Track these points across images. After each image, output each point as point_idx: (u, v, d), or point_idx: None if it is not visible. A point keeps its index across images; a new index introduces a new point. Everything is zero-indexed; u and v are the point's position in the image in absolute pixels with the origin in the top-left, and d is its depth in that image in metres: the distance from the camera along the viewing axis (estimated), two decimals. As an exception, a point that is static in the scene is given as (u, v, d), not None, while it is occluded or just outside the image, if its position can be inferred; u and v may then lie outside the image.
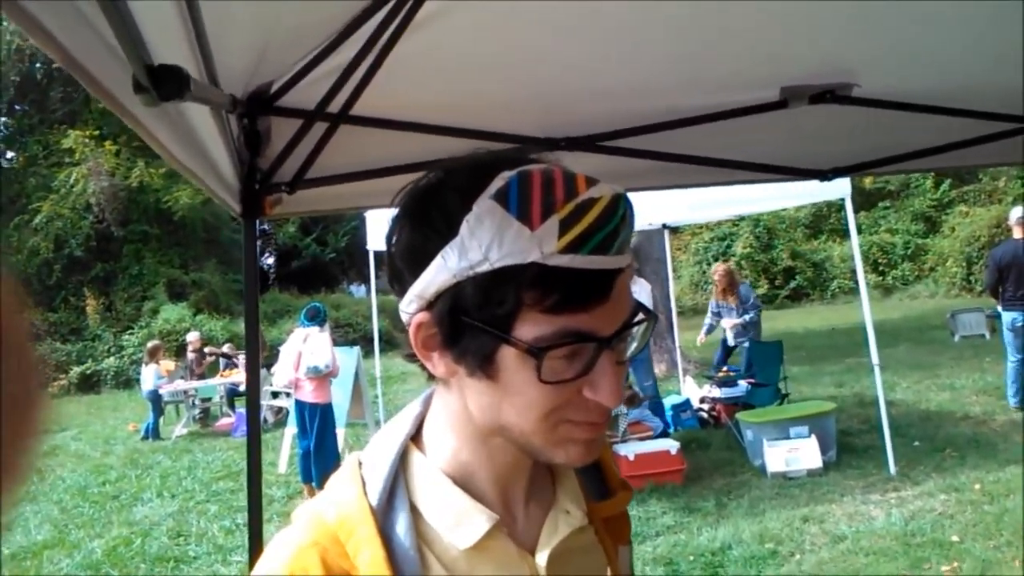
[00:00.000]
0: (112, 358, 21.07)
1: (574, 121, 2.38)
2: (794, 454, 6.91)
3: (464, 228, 0.74)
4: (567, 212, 0.73)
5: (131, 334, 21.15)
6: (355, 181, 2.31)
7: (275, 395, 10.63)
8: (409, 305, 0.81)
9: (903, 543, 5.29)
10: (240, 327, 17.36)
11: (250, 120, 2.01)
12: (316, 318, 8.34)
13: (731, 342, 9.87)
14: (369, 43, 1.77)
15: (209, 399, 13.45)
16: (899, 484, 6.44)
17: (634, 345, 0.84)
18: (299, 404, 8.19)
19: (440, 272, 0.76)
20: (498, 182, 0.76)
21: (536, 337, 0.74)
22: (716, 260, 24.79)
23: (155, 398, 12.55)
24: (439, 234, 0.76)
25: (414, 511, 0.84)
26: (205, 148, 1.69)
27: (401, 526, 0.82)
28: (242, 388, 11.90)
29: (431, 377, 0.86)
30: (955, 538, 5.29)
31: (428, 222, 0.78)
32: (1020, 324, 8.18)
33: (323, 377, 8.07)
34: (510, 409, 0.79)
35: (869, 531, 5.55)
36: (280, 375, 8.52)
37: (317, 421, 7.98)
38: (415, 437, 0.90)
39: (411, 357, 0.86)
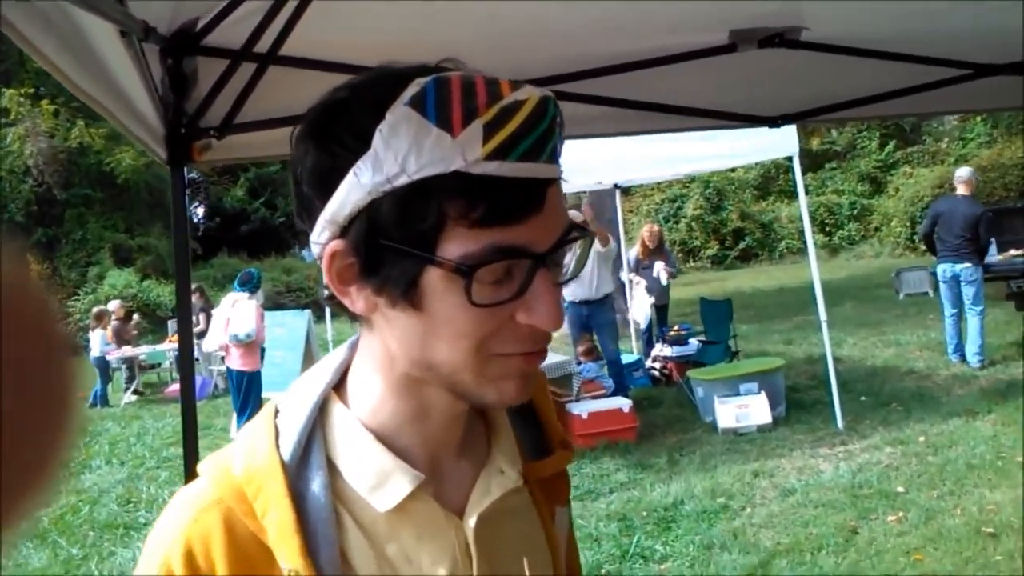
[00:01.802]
0: (56, 325, 20.60)
1: (517, 64, 2.28)
2: (744, 410, 7.00)
3: (377, 139, 0.66)
4: (491, 116, 0.66)
5: (76, 300, 20.70)
6: (288, 126, 2.20)
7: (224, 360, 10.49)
8: (320, 235, 0.72)
9: (851, 495, 5.38)
10: (188, 292, 17.04)
11: (175, 60, 1.90)
12: (247, 284, 8.20)
13: (664, 281, 9.80)
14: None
15: (158, 364, 13.23)
16: (846, 438, 6.55)
17: (572, 265, 0.76)
18: (229, 371, 8.10)
19: (353, 191, 0.68)
20: (412, 88, 0.67)
21: (463, 255, 0.67)
22: (668, 221, 24.98)
23: (102, 364, 12.31)
24: (349, 150, 0.68)
25: (331, 468, 0.77)
26: (121, 86, 1.59)
27: (315, 484, 0.74)
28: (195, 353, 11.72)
29: (354, 318, 0.78)
30: (900, 489, 5.40)
31: (336, 138, 0.69)
32: (950, 276, 8.34)
33: (249, 344, 7.96)
34: (438, 342, 0.71)
35: (818, 484, 5.64)
36: (210, 340, 8.39)
37: (243, 388, 7.92)
38: (338, 387, 0.82)
39: (331, 300, 0.77)
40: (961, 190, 8.43)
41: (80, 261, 22.53)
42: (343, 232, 0.71)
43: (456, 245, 0.67)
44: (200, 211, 29.51)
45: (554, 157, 0.70)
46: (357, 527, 0.76)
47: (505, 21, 2.08)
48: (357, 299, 0.74)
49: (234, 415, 8.98)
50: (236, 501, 0.74)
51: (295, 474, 0.75)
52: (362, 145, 0.67)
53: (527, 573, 0.79)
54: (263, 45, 1.85)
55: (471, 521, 0.80)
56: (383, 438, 0.78)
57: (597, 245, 8.49)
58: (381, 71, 0.73)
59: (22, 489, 0.24)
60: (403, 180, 0.66)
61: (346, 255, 0.71)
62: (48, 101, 21.45)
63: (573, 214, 8.60)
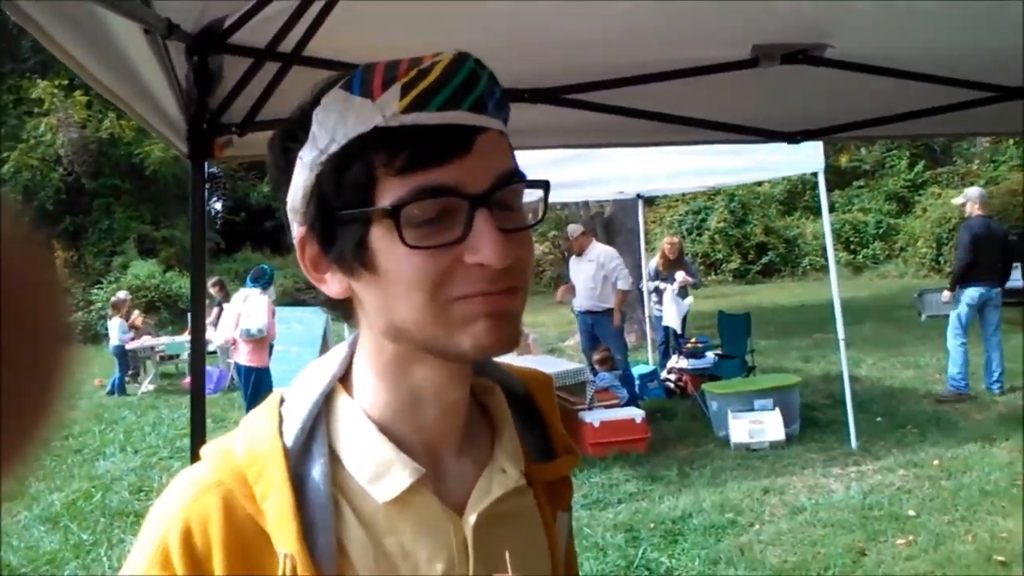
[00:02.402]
0: (80, 312, 20.81)
1: (539, 72, 2.31)
2: (758, 426, 6.95)
3: (314, 123, 0.73)
4: (409, 77, 0.71)
5: (100, 288, 20.88)
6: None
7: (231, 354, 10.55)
8: (293, 231, 0.78)
9: (861, 516, 5.34)
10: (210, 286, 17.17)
11: (200, 57, 1.93)
12: (260, 279, 8.21)
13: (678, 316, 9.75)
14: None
15: (177, 355, 13.32)
16: (860, 458, 6.50)
17: (530, 216, 0.78)
18: (237, 366, 8.10)
19: (300, 173, 0.74)
20: (347, 76, 0.74)
21: (393, 201, 0.70)
22: (691, 233, 24.87)
23: (121, 353, 12.40)
24: (298, 140, 0.74)
25: (333, 457, 0.78)
26: (143, 82, 1.61)
27: (316, 472, 0.75)
28: (211, 347, 11.80)
29: (347, 318, 0.82)
30: (912, 512, 5.35)
31: (289, 136, 0.76)
32: (983, 300, 8.08)
33: (260, 340, 7.97)
34: (396, 300, 0.73)
35: (828, 503, 5.60)
36: (219, 334, 8.41)
37: (252, 384, 7.89)
38: (344, 379, 0.83)
39: (326, 304, 0.81)
40: (980, 211, 8.27)
41: (105, 250, 22.75)
42: (305, 218, 0.76)
43: (388, 195, 0.70)
44: (219, 205, 29.72)
45: (481, 108, 0.73)
46: (356, 517, 0.76)
47: (528, 27, 2.09)
48: (332, 283, 0.78)
49: (237, 410, 9.04)
50: (236, 484, 0.75)
51: (296, 460, 0.76)
52: (305, 134, 0.73)
53: (509, 568, 0.79)
54: (287, 45, 1.87)
55: (471, 519, 0.80)
56: (383, 430, 0.79)
57: (599, 256, 8.47)
58: (335, 74, 0.78)
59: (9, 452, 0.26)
60: (334, 148, 0.71)
61: (310, 240, 0.76)
62: (81, 92, 21.69)
63: (572, 228, 8.62)
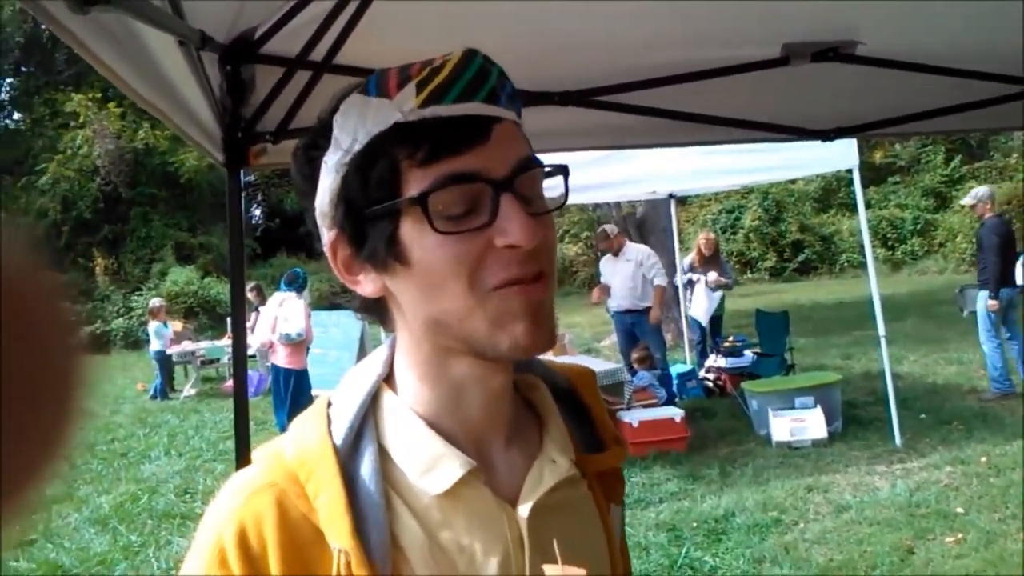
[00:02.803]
0: (121, 319, 21.19)
1: (569, 75, 2.31)
2: (799, 424, 6.87)
3: (335, 128, 0.75)
4: (423, 75, 0.73)
5: (140, 295, 21.23)
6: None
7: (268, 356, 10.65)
8: (323, 237, 0.80)
9: (907, 514, 5.25)
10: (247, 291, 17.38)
11: (233, 67, 1.95)
12: (293, 283, 8.29)
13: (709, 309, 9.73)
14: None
15: (216, 360, 13.49)
16: (904, 456, 6.40)
17: (555, 196, 0.80)
18: (275, 369, 8.19)
19: (326, 177, 0.77)
20: (360, 83, 0.77)
21: (420, 191, 0.72)
22: (725, 232, 24.68)
23: (162, 358, 12.58)
24: (320, 148, 0.77)
25: (383, 454, 0.78)
26: (178, 92, 1.64)
27: (366, 468, 0.76)
28: (249, 351, 11.93)
29: (383, 324, 0.83)
30: (960, 510, 5.25)
31: (312, 145, 0.79)
32: (1006, 301, 7.87)
33: (298, 343, 8.05)
34: (435, 292, 0.74)
35: (873, 501, 5.52)
36: (257, 338, 8.51)
37: (292, 386, 7.97)
38: (388, 378, 0.84)
39: (363, 310, 0.83)
40: (992, 211, 8.07)
41: (144, 258, 23.13)
42: (334, 222, 0.77)
43: (414, 186, 0.72)
44: (258, 212, 30.09)
45: (495, 99, 0.75)
46: (409, 512, 0.77)
47: (556, 31, 2.10)
48: (365, 283, 0.79)
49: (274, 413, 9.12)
50: (288, 483, 0.76)
51: (346, 458, 0.77)
52: (327, 140, 0.76)
53: (559, 558, 0.78)
54: (318, 53, 1.89)
55: (524, 510, 0.80)
56: (430, 425, 0.80)
57: (637, 255, 8.44)
58: (351, 83, 0.80)
59: (16, 482, 0.25)
60: (357, 147, 0.74)
61: (341, 243, 0.78)
62: (115, 104, 22.08)
63: (609, 228, 8.52)
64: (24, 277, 0.25)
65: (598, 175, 7.28)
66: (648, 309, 8.34)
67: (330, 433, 0.78)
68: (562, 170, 0.79)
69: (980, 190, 8.27)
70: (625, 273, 8.40)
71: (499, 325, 0.74)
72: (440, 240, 0.72)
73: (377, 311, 0.83)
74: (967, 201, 8.36)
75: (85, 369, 0.27)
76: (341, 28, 1.80)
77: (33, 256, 0.25)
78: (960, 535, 4.86)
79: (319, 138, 0.77)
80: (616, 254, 8.56)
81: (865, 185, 7.65)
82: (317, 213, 0.79)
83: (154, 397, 12.33)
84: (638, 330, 8.42)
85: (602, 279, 8.73)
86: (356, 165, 0.74)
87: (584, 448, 0.90)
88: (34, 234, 0.25)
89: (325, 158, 0.76)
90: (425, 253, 0.73)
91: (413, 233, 0.73)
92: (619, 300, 8.47)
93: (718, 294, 9.69)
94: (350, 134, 0.74)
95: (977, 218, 8.38)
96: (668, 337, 11.87)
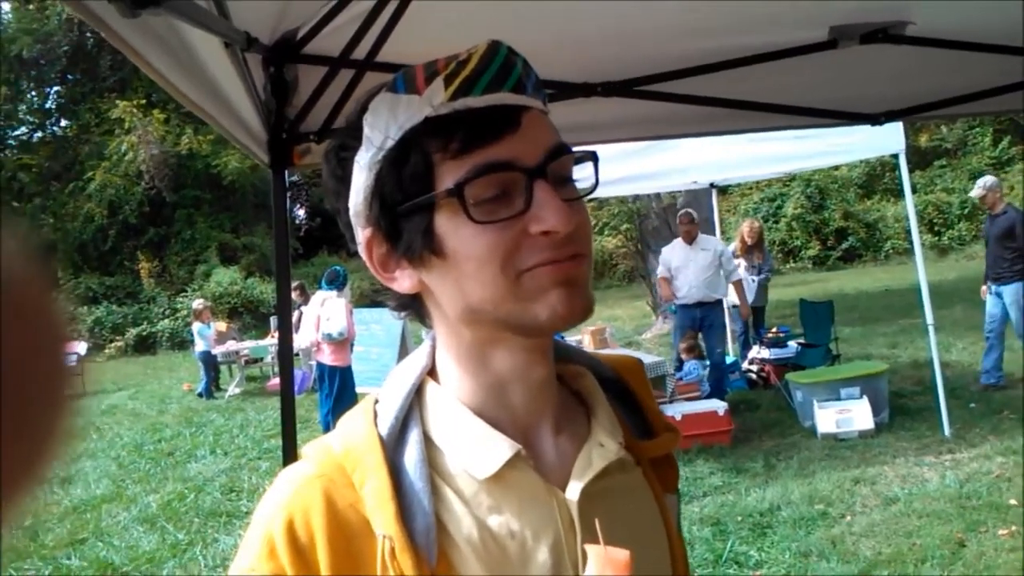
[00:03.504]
0: (167, 320, 21.57)
1: (611, 65, 2.29)
2: (845, 415, 6.78)
3: (365, 127, 0.76)
4: (450, 69, 0.74)
5: (184, 297, 21.58)
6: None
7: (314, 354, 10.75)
8: (355, 233, 0.81)
9: (958, 506, 5.15)
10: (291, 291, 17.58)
11: (277, 68, 1.96)
12: (334, 282, 8.37)
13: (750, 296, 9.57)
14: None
15: (260, 360, 13.65)
16: (954, 446, 6.28)
17: (587, 185, 0.80)
18: (319, 366, 8.28)
19: (359, 174, 0.77)
20: (389, 80, 0.77)
21: (454, 183, 0.73)
22: (767, 220, 24.39)
23: (207, 358, 12.77)
24: (351, 148, 0.78)
25: (429, 443, 0.79)
26: (223, 93, 1.65)
27: (412, 456, 0.77)
28: (295, 349, 12.06)
29: (422, 321, 0.84)
30: (1013, 501, 5.14)
31: (342, 146, 0.80)
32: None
33: (342, 341, 8.12)
34: (469, 281, 0.75)
35: (922, 493, 5.43)
36: (301, 337, 8.61)
37: (337, 383, 8.07)
38: (432, 372, 0.85)
39: (400, 307, 0.85)
40: (1001, 200, 7.83)
41: (188, 259, 23.51)
42: (368, 221, 0.78)
43: (448, 178, 0.73)
44: (301, 212, 30.40)
45: (522, 89, 0.76)
46: (457, 498, 0.77)
47: (595, 21, 2.07)
48: (402, 279, 0.80)
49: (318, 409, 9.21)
50: (336, 474, 0.77)
51: (392, 448, 0.78)
52: (357, 140, 0.77)
53: (601, 539, 0.78)
54: (360, 52, 1.89)
55: (573, 493, 0.79)
56: (475, 414, 0.80)
57: (714, 245, 8.24)
58: (378, 84, 0.81)
59: (7, 485, 0.25)
60: (389, 143, 0.75)
61: (377, 240, 0.79)
62: (159, 110, 22.45)
63: (684, 214, 8.19)
64: (19, 280, 0.25)
65: (638, 166, 7.21)
66: (719, 301, 8.13)
67: (376, 425, 0.80)
68: (591, 156, 0.80)
69: (987, 179, 7.97)
70: (701, 263, 8.03)
71: (534, 299, 0.74)
72: (476, 230, 0.73)
73: (414, 307, 0.84)
74: (975, 193, 7.98)
75: (71, 383, 0.27)
76: (383, 26, 1.79)
77: (29, 260, 0.25)
78: (1013, 527, 4.74)
79: (349, 139, 0.78)
80: (690, 243, 8.15)
81: (911, 169, 7.46)
82: (351, 213, 0.80)
83: (200, 396, 12.52)
84: (707, 322, 8.12)
85: (666, 269, 8.25)
86: (389, 161, 0.75)
87: (635, 434, 0.90)
88: (30, 239, 0.25)
89: (357, 157, 0.77)
90: (461, 243, 0.74)
91: (448, 225, 0.74)
92: (690, 291, 8.06)
93: (755, 281, 9.60)
94: (382, 131, 0.75)
95: (987, 208, 8.00)
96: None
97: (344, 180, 0.79)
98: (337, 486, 0.76)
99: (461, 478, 0.78)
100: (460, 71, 0.73)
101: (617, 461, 0.83)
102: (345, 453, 0.78)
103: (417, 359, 0.86)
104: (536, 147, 0.74)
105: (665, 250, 8.53)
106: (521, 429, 0.82)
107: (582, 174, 0.80)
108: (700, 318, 8.13)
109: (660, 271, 8.44)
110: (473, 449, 0.78)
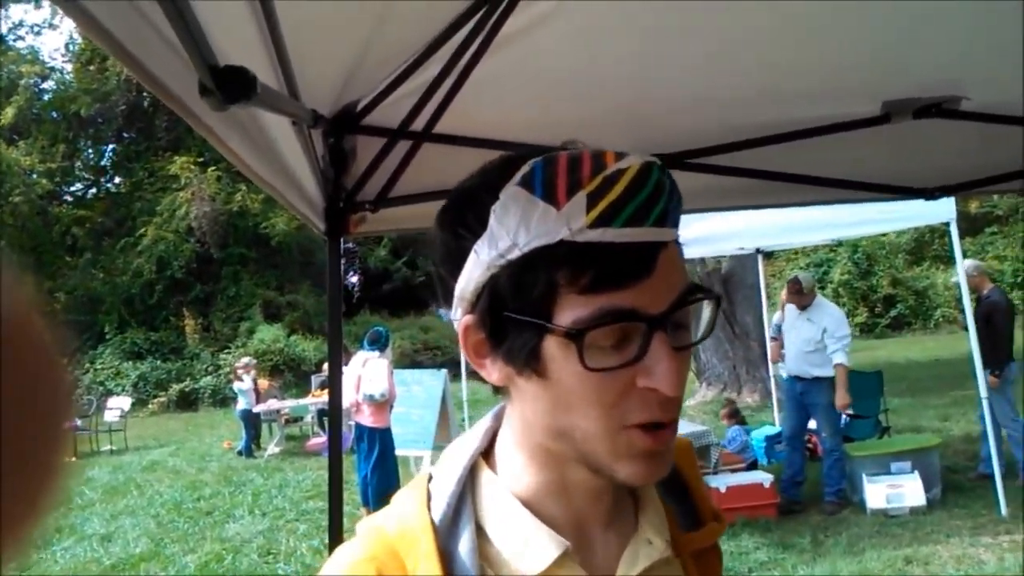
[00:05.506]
0: (210, 377, 21.75)
1: (663, 137, 2.30)
2: (896, 491, 6.59)
3: (492, 219, 0.71)
4: (594, 186, 0.68)
5: (228, 353, 21.78)
6: (439, 200, 2.26)
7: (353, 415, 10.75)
8: (455, 312, 0.78)
9: (1017, 590, 4.96)
10: (332, 349, 17.63)
11: (336, 138, 2.01)
12: (376, 343, 8.38)
13: None
14: (452, 60, 1.75)
15: (300, 419, 13.68)
16: (1011, 527, 6.05)
17: (700, 330, 0.77)
18: (359, 427, 8.26)
19: (475, 268, 0.73)
20: (524, 168, 0.72)
21: (574, 320, 0.69)
22: (812, 287, 24.05)
23: (247, 416, 12.82)
24: (472, 231, 0.73)
25: (480, 532, 0.79)
26: (288, 165, 1.69)
27: (464, 545, 0.77)
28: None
29: (496, 391, 0.82)
30: (1075, 586, 4.94)
31: (461, 222, 0.75)
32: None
33: (382, 403, 8.12)
34: (569, 411, 0.73)
35: None
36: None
37: (377, 445, 8.00)
38: (487, 453, 0.84)
39: (476, 375, 0.81)
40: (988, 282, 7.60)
41: (233, 316, 23.78)
42: (472, 307, 0.75)
43: (569, 312, 0.69)
44: (355, 279, 30.71)
45: (664, 221, 0.70)
46: None
47: (653, 96, 2.10)
48: (492, 370, 0.77)
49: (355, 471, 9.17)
50: (388, 557, 0.77)
51: (445, 535, 0.77)
52: (481, 226, 0.72)
53: None
54: (418, 124, 1.93)
55: None
56: (529, 505, 0.80)
57: (825, 318, 7.47)
58: (504, 157, 0.77)
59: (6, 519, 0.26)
60: (516, 253, 0.70)
61: (477, 329, 0.76)
62: (213, 167, 23.02)
63: (804, 277, 7.49)
64: (19, 326, 0.25)
65: (685, 231, 6.93)
66: (819, 380, 7.23)
67: (429, 509, 0.79)
68: (716, 298, 0.77)
69: (972, 263, 7.61)
70: (804, 335, 7.30)
71: (623, 458, 0.73)
72: (586, 372, 0.70)
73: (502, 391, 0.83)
74: (966, 276, 7.64)
75: (68, 432, 0.27)
76: (440, 99, 1.83)
77: (30, 307, 0.26)
78: (1080, 614, 4.55)
79: (469, 216, 0.74)
80: (802, 309, 7.48)
81: (961, 236, 7.30)
82: (456, 293, 0.77)
83: (240, 455, 12.54)
84: (808, 400, 7.31)
85: (776, 330, 7.75)
86: (512, 271, 0.71)
87: (682, 525, 0.89)
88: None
89: (476, 247, 0.73)
90: (567, 377, 0.71)
91: (558, 353, 0.71)
92: (789, 362, 7.49)
93: None
94: (509, 236, 0.70)
95: (978, 293, 7.60)
96: (755, 397, 11.58)
97: (455, 256, 0.75)
98: (390, 569, 0.76)
99: (510, 568, 0.78)
100: (606, 192, 0.68)
101: (662, 559, 0.83)
102: (399, 536, 0.78)
103: (471, 439, 0.85)
104: (665, 294, 0.71)
105: (785, 310, 8.03)
106: (575, 524, 0.81)
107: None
108: (800, 393, 7.39)
109: (771, 331, 7.98)
110: (522, 544, 0.78)
